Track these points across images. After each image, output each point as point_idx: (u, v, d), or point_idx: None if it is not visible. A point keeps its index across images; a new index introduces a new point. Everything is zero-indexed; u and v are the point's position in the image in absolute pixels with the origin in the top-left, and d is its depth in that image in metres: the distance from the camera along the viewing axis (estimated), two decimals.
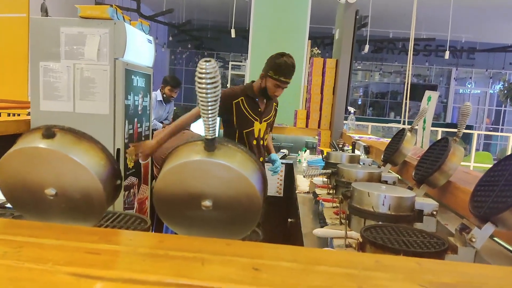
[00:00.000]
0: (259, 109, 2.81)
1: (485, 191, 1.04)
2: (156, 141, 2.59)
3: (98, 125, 2.86)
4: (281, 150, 4.42)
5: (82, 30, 2.81)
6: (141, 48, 3.19)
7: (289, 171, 4.02)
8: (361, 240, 1.07)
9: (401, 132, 2.08)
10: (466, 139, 9.58)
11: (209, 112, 0.69)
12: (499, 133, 12.16)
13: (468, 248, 1.01)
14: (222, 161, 0.72)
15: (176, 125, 2.70)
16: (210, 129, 0.71)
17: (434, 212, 1.29)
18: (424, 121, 2.22)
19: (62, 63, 2.83)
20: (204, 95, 0.67)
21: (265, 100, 2.85)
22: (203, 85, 0.67)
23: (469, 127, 12.06)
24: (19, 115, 5.02)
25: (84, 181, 0.74)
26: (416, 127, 2.16)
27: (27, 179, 0.75)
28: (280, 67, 2.67)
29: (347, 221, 1.36)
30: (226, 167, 0.72)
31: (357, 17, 4.27)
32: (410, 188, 1.61)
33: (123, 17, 2.95)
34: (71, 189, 0.75)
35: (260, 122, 2.84)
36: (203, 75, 0.66)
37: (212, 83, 0.67)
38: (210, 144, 0.72)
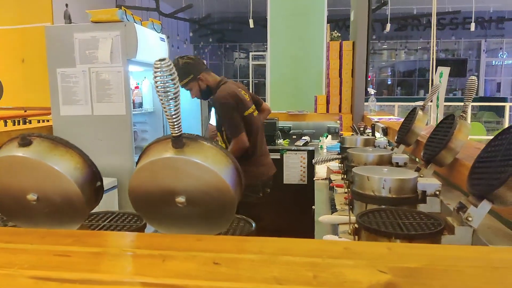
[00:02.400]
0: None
1: (483, 167, 1.01)
2: None
3: (116, 126, 2.94)
4: (303, 137, 4.39)
5: (95, 35, 2.87)
6: (153, 47, 3.23)
7: (312, 158, 3.99)
8: (356, 225, 1.06)
9: (413, 111, 2.02)
10: (501, 112, 9.22)
11: (172, 110, 0.70)
12: None
13: (465, 227, 0.98)
14: (190, 157, 0.73)
15: None
16: (175, 126, 0.72)
17: (437, 192, 1.25)
18: (437, 98, 2.15)
19: (78, 68, 2.91)
20: (163, 94, 0.68)
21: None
22: (161, 84, 0.67)
23: (503, 99, 11.58)
24: (48, 121, 5.21)
25: (62, 186, 0.77)
26: (430, 103, 2.10)
27: (10, 187, 0.78)
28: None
29: (351, 206, 1.34)
30: (194, 163, 0.73)
31: None
32: (418, 169, 1.57)
33: (133, 17, 2.99)
34: (51, 194, 0.78)
35: None
36: (159, 73, 0.67)
37: (171, 80, 0.67)
38: (176, 141, 0.73)
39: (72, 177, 0.77)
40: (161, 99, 0.69)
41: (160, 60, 0.66)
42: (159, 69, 0.66)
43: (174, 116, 0.71)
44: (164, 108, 0.70)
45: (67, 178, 0.76)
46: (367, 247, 0.67)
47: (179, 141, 0.73)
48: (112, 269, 0.59)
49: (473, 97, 1.46)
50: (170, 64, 0.67)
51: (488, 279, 0.55)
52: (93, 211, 1.17)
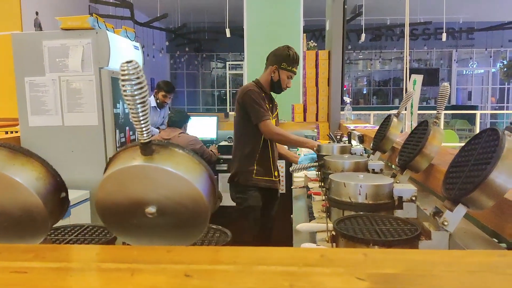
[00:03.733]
0: (271, 105, 2.82)
1: (456, 172, 1.01)
2: None
3: (88, 137, 2.86)
4: None
5: (65, 42, 2.81)
6: (126, 55, 3.17)
7: (289, 166, 3.97)
8: (334, 232, 1.04)
9: (388, 119, 2.04)
10: (473, 120, 9.46)
11: (140, 115, 0.67)
12: (502, 111, 12.01)
13: (441, 232, 0.97)
14: (160, 165, 0.70)
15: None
16: (144, 132, 0.69)
17: (414, 198, 1.25)
18: (411, 106, 2.18)
19: (47, 76, 2.83)
20: (131, 98, 0.65)
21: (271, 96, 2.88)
22: (128, 87, 0.64)
23: (474, 107, 11.90)
24: (17, 132, 5.06)
25: (22, 197, 0.72)
26: (404, 112, 2.12)
27: None
28: (293, 58, 2.79)
29: (328, 213, 1.32)
30: (164, 171, 0.70)
31: (345, 6, 4.22)
32: (394, 175, 1.57)
33: (105, 25, 2.94)
34: (10, 206, 0.73)
35: (272, 118, 2.82)
36: (126, 77, 0.64)
37: (138, 83, 0.64)
38: (145, 148, 0.70)
39: (34, 188, 0.72)
40: (129, 104, 0.65)
41: (127, 62, 0.63)
42: (126, 72, 0.63)
43: (142, 121, 0.67)
44: (132, 113, 0.66)
45: (28, 189, 0.72)
46: (344, 254, 0.65)
47: (148, 147, 0.70)
48: (74, 285, 0.55)
49: (445, 103, 1.47)
50: (138, 67, 0.64)
51: (464, 284, 0.54)
52: (62, 224, 1.12)
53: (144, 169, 0.70)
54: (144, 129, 0.68)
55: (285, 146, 3.18)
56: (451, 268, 0.58)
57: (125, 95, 0.65)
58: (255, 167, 2.72)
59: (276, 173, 2.82)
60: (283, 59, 2.77)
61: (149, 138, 0.69)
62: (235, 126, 2.86)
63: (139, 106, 0.66)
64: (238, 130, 2.82)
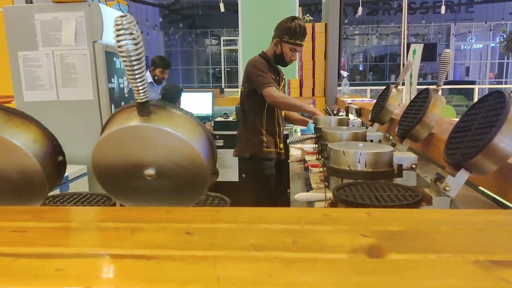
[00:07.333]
0: (277, 77, 2.82)
1: (459, 137, 1.00)
2: None
3: (83, 112, 2.83)
4: None
5: (57, 15, 2.75)
6: None
7: (285, 141, 3.96)
8: (333, 199, 1.03)
9: (386, 90, 2.02)
10: (470, 96, 9.45)
11: (136, 73, 0.64)
12: (501, 86, 11.99)
13: (442, 197, 0.96)
14: (157, 125, 0.68)
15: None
16: (140, 91, 0.66)
17: (414, 166, 1.24)
18: (411, 76, 2.15)
19: (41, 51, 2.78)
20: (126, 54, 0.62)
21: (278, 68, 2.89)
22: (123, 42, 0.62)
23: (472, 82, 11.86)
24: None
25: (19, 160, 0.71)
26: (401, 86, 2.09)
27: None
28: (295, 30, 2.71)
29: (326, 183, 1.32)
30: (162, 132, 0.68)
31: None
32: (393, 145, 1.56)
33: None
34: (7, 169, 0.72)
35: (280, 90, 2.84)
36: (121, 32, 0.61)
37: (133, 39, 0.62)
38: (142, 108, 0.68)
39: (31, 150, 0.71)
40: (124, 61, 0.63)
41: (121, 16, 0.61)
42: (120, 26, 0.61)
43: (138, 80, 0.65)
44: (128, 71, 0.64)
45: (25, 151, 0.70)
46: (346, 213, 0.64)
47: (145, 108, 0.68)
48: (73, 242, 0.54)
49: (447, 70, 1.45)
50: (132, 21, 0.61)
51: (472, 240, 0.53)
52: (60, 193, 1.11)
53: (141, 129, 0.68)
54: (140, 88, 0.66)
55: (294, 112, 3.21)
56: (458, 226, 0.57)
57: (120, 51, 0.62)
58: (265, 139, 2.76)
59: (281, 145, 2.86)
60: (284, 32, 2.73)
61: (146, 98, 0.67)
62: (241, 101, 2.87)
63: (134, 63, 0.63)
64: (245, 104, 2.81)
